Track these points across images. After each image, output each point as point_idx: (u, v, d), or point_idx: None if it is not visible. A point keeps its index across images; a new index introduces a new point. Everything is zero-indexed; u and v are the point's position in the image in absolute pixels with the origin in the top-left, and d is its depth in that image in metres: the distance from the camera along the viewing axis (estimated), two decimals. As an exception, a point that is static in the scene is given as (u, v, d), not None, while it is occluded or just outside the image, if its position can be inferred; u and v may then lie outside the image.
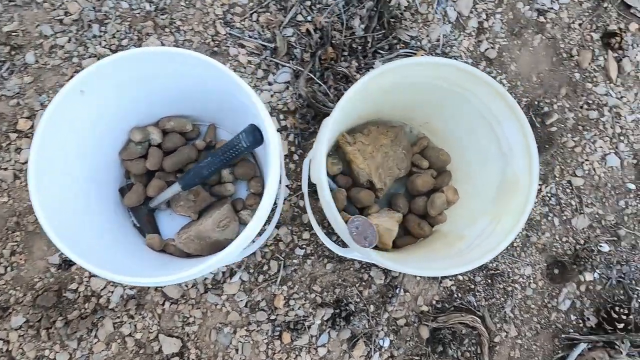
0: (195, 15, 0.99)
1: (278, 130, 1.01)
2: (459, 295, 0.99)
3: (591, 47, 1.05)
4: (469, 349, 0.96)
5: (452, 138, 0.94)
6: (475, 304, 0.98)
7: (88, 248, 0.65)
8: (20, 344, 0.88)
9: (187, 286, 0.94)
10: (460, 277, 0.99)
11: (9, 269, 0.90)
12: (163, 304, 0.93)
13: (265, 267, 0.96)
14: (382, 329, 0.96)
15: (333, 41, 1.02)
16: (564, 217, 1.02)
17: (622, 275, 1.00)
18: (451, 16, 1.05)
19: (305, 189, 0.80)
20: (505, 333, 0.98)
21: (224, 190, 0.91)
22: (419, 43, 1.04)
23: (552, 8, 1.06)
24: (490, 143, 0.81)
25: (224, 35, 1.00)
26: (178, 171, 0.89)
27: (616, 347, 0.93)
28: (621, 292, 1.00)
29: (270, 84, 1.01)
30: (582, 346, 0.96)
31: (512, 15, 1.05)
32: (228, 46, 1.00)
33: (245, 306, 0.94)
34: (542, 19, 1.06)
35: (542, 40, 1.05)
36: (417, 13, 1.05)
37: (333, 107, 0.82)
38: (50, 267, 0.91)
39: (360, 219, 0.61)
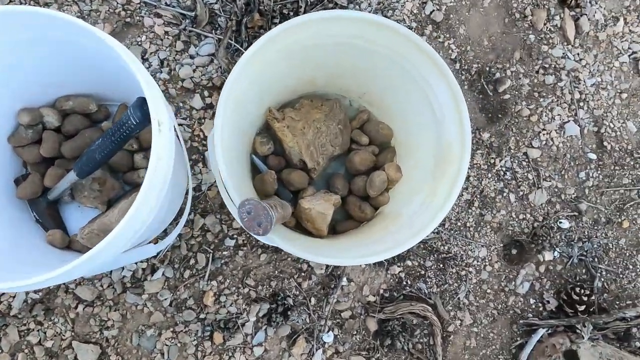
0: (102, -19, 0.88)
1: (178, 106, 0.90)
2: (409, 282, 0.90)
3: (546, 6, 0.96)
4: (421, 340, 0.88)
5: (393, 110, 0.85)
6: (426, 291, 0.90)
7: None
8: None
9: (102, 286, 0.84)
10: (410, 263, 0.90)
11: None
12: (76, 307, 0.83)
13: (192, 261, 0.86)
14: (325, 323, 0.88)
15: (261, 7, 0.91)
16: (521, 193, 0.93)
17: (584, 253, 0.92)
18: (392, -24, 0.95)
19: (214, 167, 0.70)
20: (459, 321, 0.90)
21: (137, 178, 0.81)
22: (357, 7, 0.94)
23: (502, -36, 0.96)
24: (425, 111, 0.72)
25: (137, 3, 0.89)
26: (81, 157, 0.79)
27: (578, 331, 0.85)
28: (583, 271, 0.92)
29: (192, 57, 0.90)
30: (542, 332, 0.88)
31: (459, -27, 0.96)
32: (142, 16, 0.89)
33: (170, 305, 0.85)
34: (492, -24, 0.96)
35: (493, 0, 0.96)
36: (354, -26, 0.95)
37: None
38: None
39: (253, 202, 0.51)
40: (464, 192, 0.93)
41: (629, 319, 0.88)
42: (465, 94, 0.95)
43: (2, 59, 0.65)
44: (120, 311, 0.84)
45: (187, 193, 0.78)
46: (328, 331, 0.88)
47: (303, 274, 0.89)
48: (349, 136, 0.89)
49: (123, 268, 0.85)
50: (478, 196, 0.93)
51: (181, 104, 0.89)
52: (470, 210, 0.92)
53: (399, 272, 0.90)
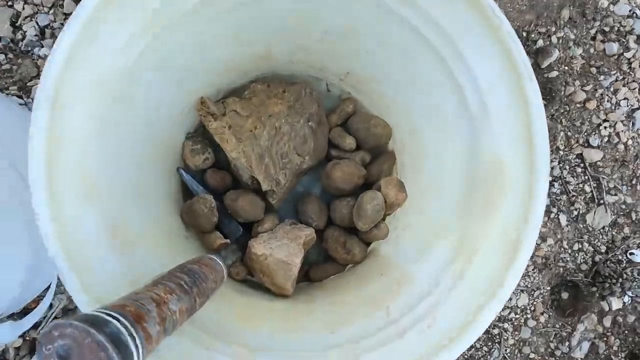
0: None
1: None
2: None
3: (606, -57, 0.67)
4: None
5: (393, 96, 0.56)
6: None
7: None
8: None
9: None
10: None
11: None
12: None
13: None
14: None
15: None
16: (575, 213, 0.65)
17: (666, 297, 0.65)
18: None
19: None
20: (491, 401, 0.63)
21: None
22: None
23: None
24: (449, 99, 0.43)
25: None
26: None
27: (665, 414, 0.58)
28: (665, 322, 0.65)
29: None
30: (612, 417, 0.61)
31: None
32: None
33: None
34: None
35: (531, -64, 0.66)
36: None
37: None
38: None
39: (75, 330, 0.22)
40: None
41: None
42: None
43: None
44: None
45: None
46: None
47: None
48: (326, 138, 0.60)
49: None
50: (514, 219, 0.65)
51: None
52: (504, 240, 0.64)
53: (404, 333, 0.62)
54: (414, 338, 0.33)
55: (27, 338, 0.57)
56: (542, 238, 0.66)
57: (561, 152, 0.66)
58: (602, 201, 0.66)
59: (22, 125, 0.35)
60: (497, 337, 0.64)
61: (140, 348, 0.23)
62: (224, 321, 0.44)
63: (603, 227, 0.67)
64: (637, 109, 0.68)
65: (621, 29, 0.68)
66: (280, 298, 0.54)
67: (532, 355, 0.64)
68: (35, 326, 0.58)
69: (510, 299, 0.64)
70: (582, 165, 0.67)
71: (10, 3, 0.60)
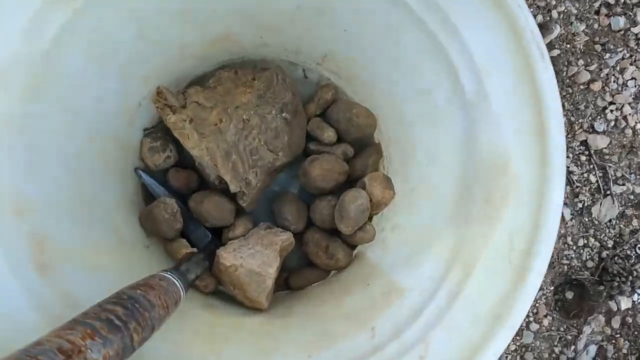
0: None
1: None
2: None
3: None
4: None
5: (377, 81, 0.50)
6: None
7: None
8: None
9: None
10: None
11: None
12: None
13: None
14: None
15: None
16: (580, 205, 0.60)
17: (679, 294, 0.60)
18: None
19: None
20: (492, 412, 0.58)
21: None
22: None
23: None
24: (440, 81, 0.36)
25: None
26: None
27: (680, 422, 0.53)
28: (678, 321, 0.60)
29: None
30: None
31: None
32: None
33: None
34: None
35: None
36: None
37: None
38: None
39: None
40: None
41: None
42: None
43: None
44: None
45: None
46: None
47: None
48: (303, 131, 0.54)
49: None
50: (514, 214, 0.59)
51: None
52: (502, 238, 0.59)
53: (396, 342, 0.57)
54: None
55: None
56: (545, 234, 0.60)
57: (566, 138, 0.61)
58: (608, 192, 0.61)
59: None
60: (497, 343, 0.59)
61: None
62: (185, 345, 0.38)
63: (610, 220, 0.61)
64: (646, 89, 0.62)
65: (628, 0, 0.62)
66: (254, 312, 0.48)
67: (535, 362, 0.60)
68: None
69: (511, 301, 0.59)
70: (586, 153, 0.61)
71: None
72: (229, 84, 0.52)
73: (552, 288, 0.60)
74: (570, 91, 0.61)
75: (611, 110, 0.61)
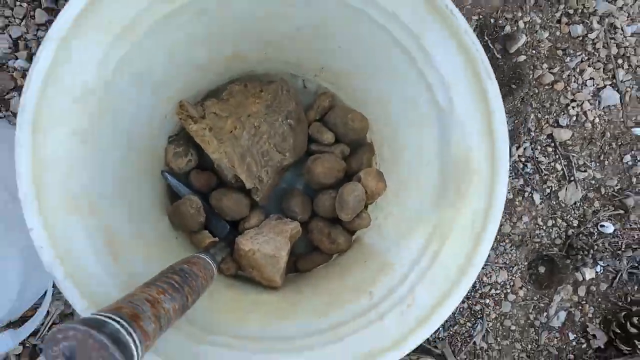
0: None
1: None
2: (405, 327, 0.65)
3: None
4: (427, 404, 0.64)
5: (368, 89, 0.58)
6: (429, 337, 0.65)
7: None
8: None
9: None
10: (405, 301, 0.66)
11: None
12: None
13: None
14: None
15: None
16: (548, 190, 0.69)
17: (636, 265, 0.69)
18: None
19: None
20: (477, 373, 0.66)
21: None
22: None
23: None
24: (420, 92, 0.45)
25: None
26: None
27: (637, 373, 0.63)
28: (636, 288, 0.69)
29: None
30: (589, 379, 0.65)
31: None
32: (-25, -26, 0.58)
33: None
34: None
35: None
36: None
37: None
38: None
39: (74, 332, 0.24)
40: (471, 197, 0.67)
41: (699, 349, 0.66)
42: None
43: None
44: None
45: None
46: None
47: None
48: (305, 134, 0.62)
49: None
50: (491, 200, 0.68)
51: None
52: (481, 221, 0.67)
53: (392, 315, 0.66)
54: (395, 319, 0.35)
55: (27, 345, 0.59)
56: (518, 217, 0.69)
57: (532, 134, 0.69)
58: (572, 178, 0.69)
59: (7, 145, 0.36)
60: (480, 312, 0.67)
61: (139, 344, 0.25)
62: (216, 315, 0.46)
63: (575, 203, 0.70)
64: (603, 88, 0.71)
65: (585, 10, 0.71)
66: (270, 290, 0.57)
67: (512, 327, 0.68)
68: (34, 333, 0.59)
69: (490, 276, 0.68)
70: (552, 145, 0.70)
71: (-20, 16, 0.60)
72: (240, 96, 0.60)
73: (526, 263, 0.69)
74: (537, 91, 0.70)
75: (572, 107, 0.70)
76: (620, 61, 0.71)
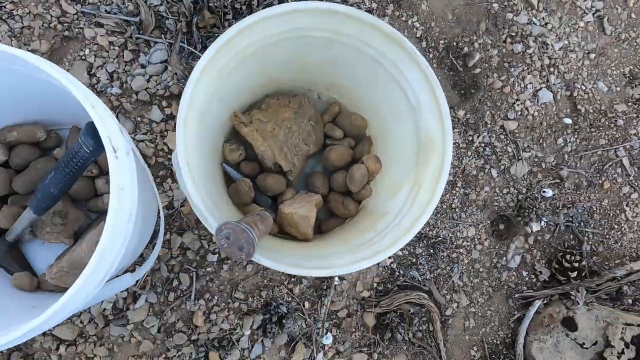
0: (31, -6, 0.80)
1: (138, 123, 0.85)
2: (401, 272, 0.89)
3: (507, -28, 0.94)
4: (420, 328, 0.87)
5: (365, 99, 0.82)
6: (419, 278, 0.89)
7: None
8: None
9: (82, 322, 0.79)
10: (400, 253, 0.89)
11: None
12: (57, 349, 0.78)
13: (175, 283, 0.82)
14: (322, 326, 0.86)
15: (211, 4, 0.85)
16: (502, 167, 0.92)
17: (570, 219, 0.92)
18: (346, -44, 0.90)
19: (183, 187, 0.66)
20: (456, 304, 0.89)
21: (102, 204, 0.75)
22: (314, -7, 0.89)
23: None
24: (399, 99, 0.69)
25: (74, 14, 0.82)
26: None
27: (572, 297, 0.86)
28: (571, 237, 0.93)
29: (143, 66, 0.84)
30: (538, 303, 0.88)
31: (415, -54, 0.92)
32: (82, 27, 0.82)
33: (159, 331, 0.81)
34: (449, -54, 0.93)
35: (453, -28, 0.93)
36: (306, -42, 0.89)
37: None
38: None
39: (230, 225, 0.48)
40: (445, 174, 0.91)
41: (619, 278, 0.89)
42: (435, 72, 0.92)
43: None
44: (106, 345, 0.79)
45: (158, 214, 0.74)
46: (326, 333, 0.86)
47: (293, 279, 0.86)
48: (322, 132, 0.85)
49: (102, 301, 0.80)
50: (460, 176, 0.91)
51: (139, 119, 0.83)
52: (454, 191, 0.91)
53: (391, 263, 0.89)
54: (390, 236, 0.59)
55: (129, 292, 0.81)
56: (481, 187, 0.92)
57: (488, 125, 0.93)
58: (520, 157, 0.93)
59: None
60: (456, 259, 0.90)
61: (257, 235, 0.48)
62: (279, 248, 0.70)
63: (523, 175, 0.93)
64: (539, 89, 0.95)
65: (523, 33, 0.95)
66: (305, 242, 0.80)
67: (481, 269, 0.91)
68: (136, 282, 0.82)
69: (462, 232, 0.90)
70: (504, 133, 0.93)
71: (83, 57, 0.84)
72: (275, 106, 0.83)
73: (488, 222, 0.92)
74: (490, 94, 0.94)
75: (517, 105, 0.94)
76: (551, 69, 0.95)
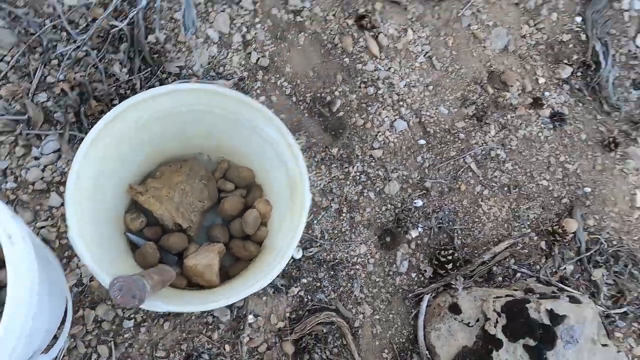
0: None
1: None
2: (309, 297, 0.99)
3: (350, 32, 1.15)
4: (335, 344, 0.97)
5: (249, 154, 0.94)
6: (326, 299, 1.00)
7: None
8: None
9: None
10: (305, 280, 1.00)
11: None
12: None
13: (95, 357, 0.85)
14: (246, 364, 0.92)
15: (96, 93, 0.96)
16: (377, 189, 1.09)
17: (440, 221, 1.10)
18: (213, 37, 1.06)
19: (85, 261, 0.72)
20: (362, 315, 1.01)
21: (4, 277, 0.78)
22: (190, 71, 1.03)
23: (304, 7, 1.13)
24: (271, 154, 0.83)
25: (-41, 122, 0.87)
26: None
27: (453, 286, 1.02)
28: (444, 236, 1.11)
29: (36, 158, 0.90)
30: (427, 297, 1.03)
31: (270, 22, 1.10)
32: (-31, 132, 0.87)
33: (84, 409, 0.83)
34: (299, 18, 1.12)
35: (306, 38, 1.12)
36: (178, 42, 1.04)
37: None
38: None
39: (122, 278, 0.56)
40: (332, 203, 1.06)
41: (487, 261, 1.08)
42: (308, 121, 1.09)
43: None
44: None
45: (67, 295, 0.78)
46: (251, 370, 0.93)
47: (210, 326, 0.93)
48: (215, 187, 0.96)
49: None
50: (344, 203, 1.07)
51: (38, 207, 0.89)
52: (341, 217, 1.06)
53: (298, 291, 0.99)
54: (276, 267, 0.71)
55: (47, 375, 0.83)
56: (363, 209, 1.08)
57: (359, 157, 1.10)
58: (390, 178, 1.11)
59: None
60: (354, 275, 1.03)
61: (149, 282, 0.56)
62: (186, 297, 0.77)
63: (396, 193, 1.11)
64: (394, 120, 1.15)
65: (373, 78, 1.16)
66: (212, 289, 0.88)
67: (377, 279, 1.05)
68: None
69: (355, 250, 1.05)
70: (374, 160, 1.11)
71: None
72: (168, 172, 0.93)
73: (376, 237, 1.07)
74: (356, 131, 1.12)
75: (379, 136, 1.13)
76: (401, 103, 1.17)
